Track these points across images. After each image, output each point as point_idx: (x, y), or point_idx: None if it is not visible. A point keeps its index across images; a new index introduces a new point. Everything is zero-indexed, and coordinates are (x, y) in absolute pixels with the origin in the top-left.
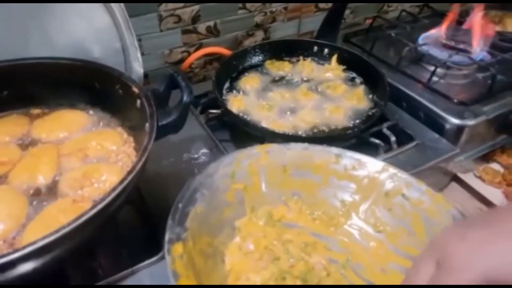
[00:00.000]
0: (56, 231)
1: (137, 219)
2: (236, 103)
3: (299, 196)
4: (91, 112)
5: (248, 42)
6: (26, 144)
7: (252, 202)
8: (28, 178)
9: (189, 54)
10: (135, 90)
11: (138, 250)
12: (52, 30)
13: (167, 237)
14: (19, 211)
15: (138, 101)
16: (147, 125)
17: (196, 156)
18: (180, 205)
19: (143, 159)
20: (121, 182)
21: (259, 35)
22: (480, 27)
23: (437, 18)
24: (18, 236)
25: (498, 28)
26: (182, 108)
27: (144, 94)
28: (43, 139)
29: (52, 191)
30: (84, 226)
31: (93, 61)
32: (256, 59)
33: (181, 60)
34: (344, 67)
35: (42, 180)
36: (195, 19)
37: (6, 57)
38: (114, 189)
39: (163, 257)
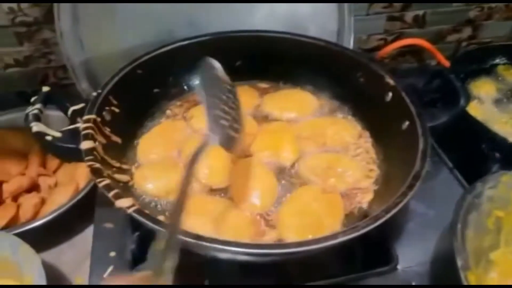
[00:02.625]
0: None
1: None
2: (471, 111)
3: None
4: (319, 96)
5: (451, 38)
6: (259, 118)
7: (508, 234)
8: (271, 155)
9: (386, 42)
10: (389, 81)
11: (368, 256)
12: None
13: (460, 262)
14: (272, 188)
15: (390, 94)
16: (404, 124)
17: None
18: (459, 225)
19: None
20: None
21: (466, 32)
22: None
23: None
24: (273, 214)
25: None
26: (455, 112)
27: (402, 88)
28: (274, 115)
29: (295, 173)
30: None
31: (335, 42)
32: (483, 62)
33: (376, 48)
34: None
35: (285, 160)
36: (406, 6)
37: (235, 27)
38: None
39: (394, 268)
